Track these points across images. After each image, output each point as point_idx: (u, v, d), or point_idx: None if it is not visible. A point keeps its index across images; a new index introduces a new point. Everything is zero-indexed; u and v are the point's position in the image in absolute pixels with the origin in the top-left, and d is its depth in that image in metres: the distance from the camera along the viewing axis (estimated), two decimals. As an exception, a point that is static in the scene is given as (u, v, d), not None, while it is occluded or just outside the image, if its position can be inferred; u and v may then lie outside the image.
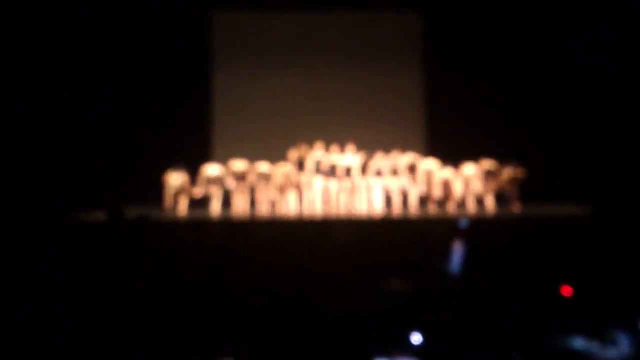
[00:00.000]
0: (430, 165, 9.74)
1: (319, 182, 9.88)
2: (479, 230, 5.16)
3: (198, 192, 9.20)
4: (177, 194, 9.31)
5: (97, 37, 9.75)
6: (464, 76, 11.14)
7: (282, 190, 9.37)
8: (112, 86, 10.19)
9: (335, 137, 10.46)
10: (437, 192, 9.62)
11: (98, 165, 9.88)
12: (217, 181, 9.25)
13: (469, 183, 9.50)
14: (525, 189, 9.87)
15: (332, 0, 11.06)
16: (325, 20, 11.69)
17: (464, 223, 5.03)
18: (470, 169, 9.61)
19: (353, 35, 11.72)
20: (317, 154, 9.85)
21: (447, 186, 9.56)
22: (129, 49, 10.46)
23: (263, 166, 9.45)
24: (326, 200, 9.90)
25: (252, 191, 9.58)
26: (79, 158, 9.40)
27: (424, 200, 10.06)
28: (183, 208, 9.36)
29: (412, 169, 9.87)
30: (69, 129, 9.23)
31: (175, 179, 9.25)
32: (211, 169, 9.35)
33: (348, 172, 9.89)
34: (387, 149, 10.03)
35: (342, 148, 9.97)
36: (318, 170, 9.83)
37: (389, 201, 10.14)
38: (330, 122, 11.48)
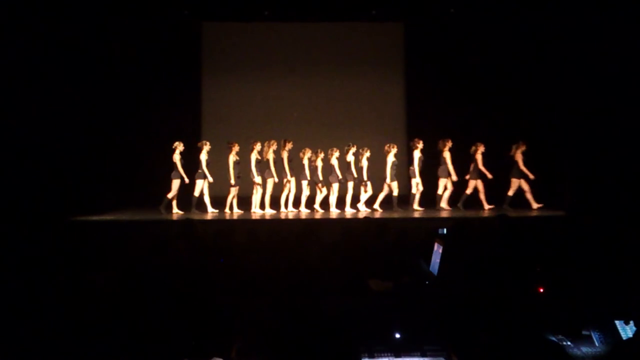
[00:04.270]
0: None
1: (305, 183, 9.98)
2: (458, 230, 5.30)
3: None
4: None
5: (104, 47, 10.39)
6: (441, 81, 11.42)
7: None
8: (111, 91, 10.67)
9: (320, 140, 10.66)
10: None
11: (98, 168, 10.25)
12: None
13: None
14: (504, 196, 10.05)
15: (316, 11, 11.34)
16: (310, 29, 11.99)
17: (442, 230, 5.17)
18: None
19: (337, 44, 12.02)
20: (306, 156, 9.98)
21: None
22: (128, 59, 10.94)
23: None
24: (311, 201, 10.02)
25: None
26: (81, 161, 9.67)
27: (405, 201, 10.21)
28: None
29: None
30: (70, 133, 9.47)
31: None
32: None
33: (333, 173, 10.00)
34: (370, 151, 10.14)
35: (329, 151, 10.06)
36: (304, 171, 9.92)
37: (371, 201, 10.27)
38: (316, 125, 11.70)
